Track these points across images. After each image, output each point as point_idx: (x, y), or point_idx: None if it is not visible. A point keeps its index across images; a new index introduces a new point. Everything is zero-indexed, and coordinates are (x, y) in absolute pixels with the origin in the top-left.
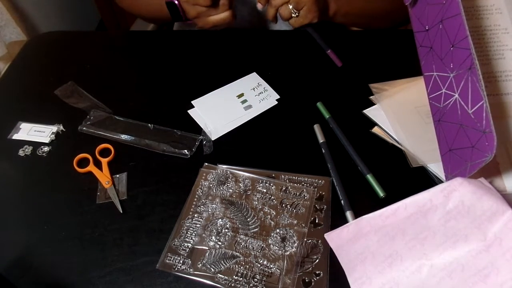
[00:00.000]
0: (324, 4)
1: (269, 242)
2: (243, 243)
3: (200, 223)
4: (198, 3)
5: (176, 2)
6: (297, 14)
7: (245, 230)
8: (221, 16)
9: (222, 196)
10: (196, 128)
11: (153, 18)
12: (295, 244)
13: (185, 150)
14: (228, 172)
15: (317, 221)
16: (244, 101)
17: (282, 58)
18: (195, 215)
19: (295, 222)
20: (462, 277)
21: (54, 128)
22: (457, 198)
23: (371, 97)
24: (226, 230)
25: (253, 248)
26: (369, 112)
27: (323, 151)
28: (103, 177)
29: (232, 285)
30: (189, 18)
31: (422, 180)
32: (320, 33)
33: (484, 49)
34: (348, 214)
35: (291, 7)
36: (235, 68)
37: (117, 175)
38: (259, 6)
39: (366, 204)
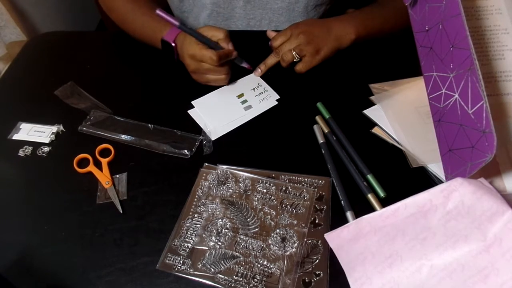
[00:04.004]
0: (339, 39)
1: (269, 242)
2: (243, 243)
3: (200, 223)
4: (204, 61)
5: (173, 44)
6: (299, 59)
7: (245, 230)
8: (218, 77)
9: (222, 196)
10: (196, 128)
11: (142, 42)
12: (295, 245)
13: (185, 150)
14: (228, 172)
15: (317, 221)
16: (244, 101)
17: None
18: (195, 215)
19: (295, 222)
20: (462, 277)
21: (54, 128)
22: (457, 198)
23: (371, 97)
24: (226, 230)
25: (253, 248)
26: (369, 112)
27: (323, 151)
28: (103, 177)
29: (232, 285)
30: (187, 69)
31: (422, 180)
32: None
33: (484, 49)
34: (349, 214)
35: (294, 53)
36: (235, 68)
37: (117, 175)
38: (258, 73)
39: (366, 204)
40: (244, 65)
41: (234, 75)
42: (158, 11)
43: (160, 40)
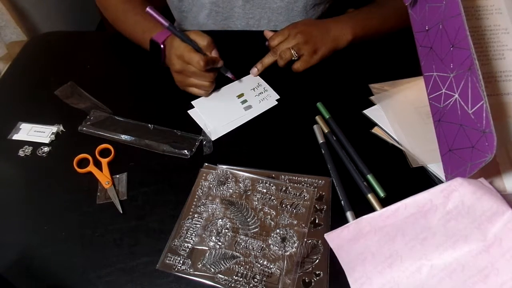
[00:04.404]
0: (336, 40)
1: (269, 242)
2: (243, 243)
3: (200, 223)
4: (191, 64)
5: (162, 46)
6: (297, 57)
7: (245, 230)
8: (202, 83)
9: (222, 196)
10: (196, 128)
11: (133, 42)
12: (295, 245)
13: (185, 150)
14: (228, 172)
15: (317, 221)
16: (244, 101)
17: None
18: (195, 215)
19: (295, 222)
20: (462, 278)
21: (54, 129)
22: (457, 198)
23: (371, 97)
24: (226, 230)
25: (253, 248)
26: (369, 112)
27: (323, 151)
28: (103, 177)
29: (232, 285)
30: (171, 69)
31: (422, 180)
32: None
33: (484, 49)
34: (349, 214)
35: (293, 51)
36: (235, 68)
37: (117, 175)
38: (254, 72)
39: (366, 204)
40: (229, 75)
41: (234, 75)
42: (148, 9)
43: (149, 40)
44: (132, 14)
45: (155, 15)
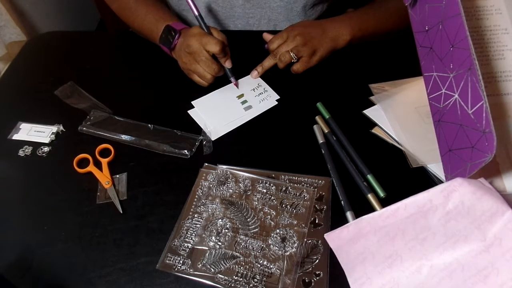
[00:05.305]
0: (335, 40)
1: (269, 242)
2: (243, 243)
3: (200, 223)
4: (207, 46)
5: (179, 34)
6: (296, 59)
7: (245, 230)
8: (205, 74)
9: (222, 196)
10: (196, 129)
11: (140, 33)
12: (295, 245)
13: (185, 150)
14: (228, 172)
15: (317, 222)
16: (244, 102)
17: None
18: (195, 215)
19: (295, 222)
20: (462, 278)
21: (54, 128)
22: (457, 198)
23: (371, 97)
24: (226, 230)
25: (253, 248)
26: (369, 112)
27: (323, 151)
28: (103, 177)
29: (232, 285)
30: (183, 52)
31: (422, 180)
32: None
33: (484, 49)
34: (349, 214)
35: (292, 54)
36: (235, 68)
37: (117, 175)
38: (254, 75)
39: (366, 204)
40: (232, 80)
41: (234, 75)
42: None
43: (165, 26)
44: (143, 6)
45: (190, 2)
